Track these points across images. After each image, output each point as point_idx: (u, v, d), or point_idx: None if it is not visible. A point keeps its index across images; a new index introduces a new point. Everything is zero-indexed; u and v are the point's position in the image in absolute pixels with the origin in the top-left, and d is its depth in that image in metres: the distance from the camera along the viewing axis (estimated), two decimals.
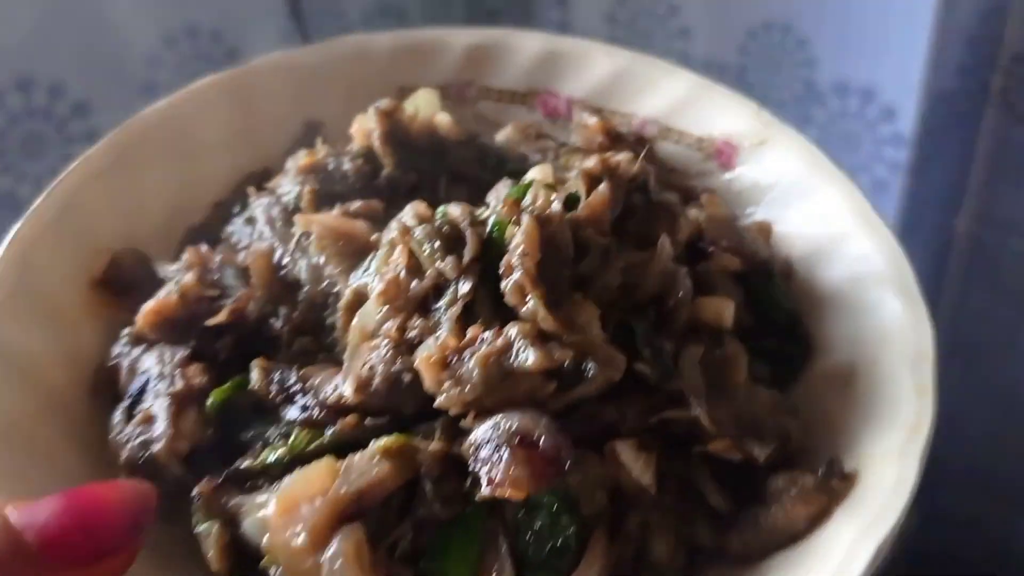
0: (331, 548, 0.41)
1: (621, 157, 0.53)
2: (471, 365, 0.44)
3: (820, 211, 0.59)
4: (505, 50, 0.69)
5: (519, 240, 0.46)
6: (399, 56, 0.68)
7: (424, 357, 0.45)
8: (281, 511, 0.42)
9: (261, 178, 0.64)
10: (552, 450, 0.43)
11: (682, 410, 0.48)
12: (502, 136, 0.66)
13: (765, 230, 0.61)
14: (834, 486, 0.46)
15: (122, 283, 0.56)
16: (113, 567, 0.40)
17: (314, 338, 0.52)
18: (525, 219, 0.47)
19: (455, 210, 0.50)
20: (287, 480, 0.44)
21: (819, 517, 0.45)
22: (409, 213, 0.50)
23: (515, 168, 0.61)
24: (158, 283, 0.55)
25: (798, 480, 0.46)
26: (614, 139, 0.62)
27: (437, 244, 0.48)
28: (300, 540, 0.41)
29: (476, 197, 0.59)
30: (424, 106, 0.62)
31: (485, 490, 0.42)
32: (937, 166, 0.86)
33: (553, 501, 0.44)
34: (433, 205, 0.54)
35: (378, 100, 0.63)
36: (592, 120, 0.62)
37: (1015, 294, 0.92)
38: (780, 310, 0.56)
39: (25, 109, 0.84)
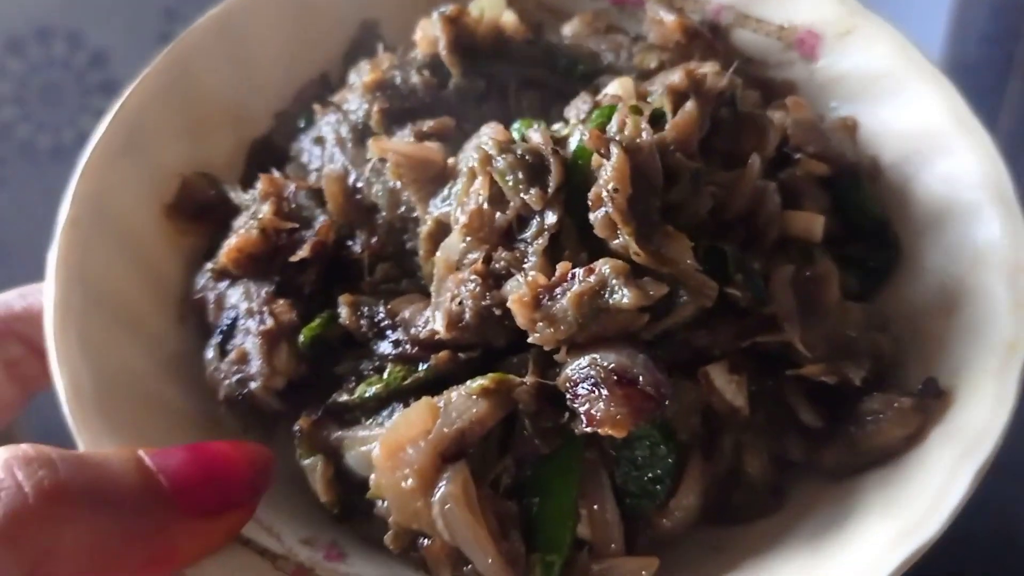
0: (439, 489, 0.42)
1: (708, 69, 0.51)
2: (564, 304, 0.44)
3: (912, 108, 0.56)
4: None
5: (609, 174, 0.45)
6: None
7: (516, 297, 0.44)
8: (387, 454, 0.43)
9: (320, 86, 0.62)
10: (651, 387, 0.43)
11: (775, 334, 0.47)
12: (569, 29, 0.63)
13: (851, 127, 0.58)
14: (930, 405, 0.46)
15: (195, 207, 0.55)
16: (232, 522, 0.41)
17: (395, 263, 0.52)
18: (614, 151, 0.45)
19: (535, 136, 0.48)
20: (389, 422, 0.45)
21: (915, 437, 0.46)
22: (488, 139, 0.49)
23: (587, 69, 0.59)
24: (231, 207, 0.55)
25: (894, 402, 0.46)
26: (692, 36, 0.59)
27: (520, 175, 0.47)
28: (409, 483, 0.42)
29: (548, 102, 0.57)
30: (489, 7, 0.59)
31: (585, 427, 0.43)
32: None
33: (651, 433, 0.45)
34: (504, 114, 0.52)
35: None
36: (669, 17, 0.59)
37: None
38: (867, 215, 0.55)
39: (45, 59, 0.85)
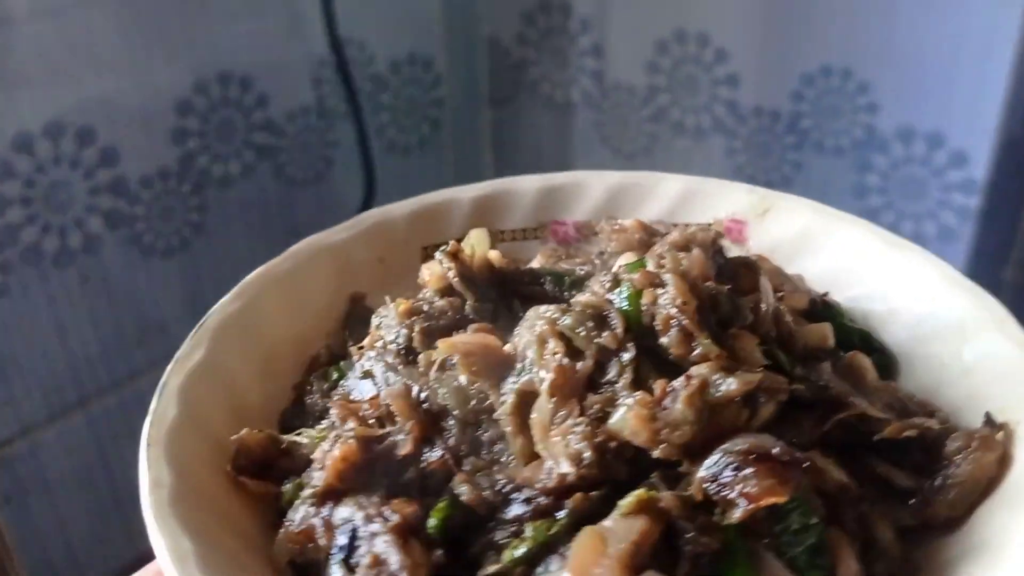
0: None
1: (694, 229, 0.60)
2: (679, 407, 0.47)
3: (841, 247, 0.67)
4: (509, 195, 0.75)
5: (672, 294, 0.51)
6: (416, 221, 0.73)
7: (635, 414, 0.47)
8: None
9: (328, 356, 0.66)
10: (787, 455, 0.46)
11: (849, 410, 0.52)
12: (536, 263, 0.71)
13: (798, 279, 0.68)
14: (999, 436, 0.52)
15: (257, 464, 0.54)
16: None
17: (476, 458, 0.53)
18: (668, 277, 0.51)
19: (585, 297, 0.54)
20: (566, 559, 0.44)
21: (1004, 460, 0.50)
22: (542, 311, 0.54)
23: (574, 279, 0.66)
24: (296, 455, 0.54)
25: (972, 434, 0.51)
26: (651, 232, 0.68)
27: (590, 324, 0.52)
28: None
29: None
30: (478, 243, 0.66)
31: (745, 507, 0.44)
32: (1003, 215, 0.89)
33: (795, 503, 0.46)
34: (513, 328, 0.57)
35: (402, 264, 0.68)
36: (627, 222, 0.69)
37: None
38: (852, 331, 0.63)
39: (52, 156, 0.81)
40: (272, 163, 0.76)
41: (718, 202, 0.73)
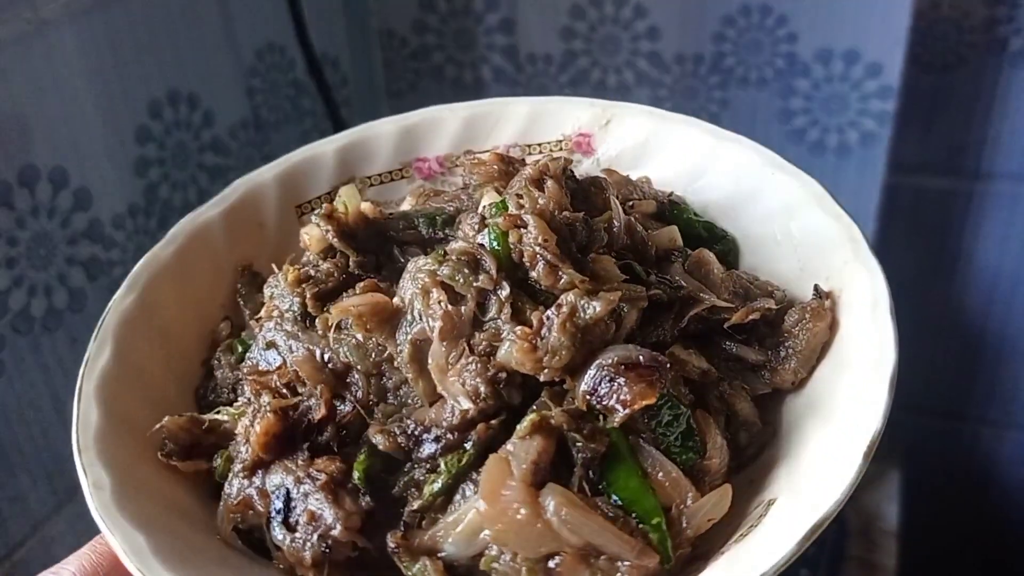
0: (549, 504, 0.48)
1: (543, 158, 0.65)
2: (555, 335, 0.54)
3: (680, 146, 0.74)
4: (370, 141, 0.78)
5: (534, 234, 0.56)
6: (286, 181, 0.76)
7: (517, 348, 0.53)
8: (491, 502, 0.48)
9: (229, 330, 0.69)
10: (651, 360, 0.53)
11: (699, 305, 0.59)
12: (406, 206, 0.75)
13: (646, 180, 0.75)
14: (827, 305, 0.60)
15: (184, 448, 0.58)
16: None
17: (385, 404, 0.59)
18: (528, 218, 0.57)
19: (457, 244, 0.59)
20: (471, 493, 0.51)
21: (833, 325, 0.59)
22: (421, 263, 0.59)
23: (446, 218, 0.71)
24: (219, 431, 0.59)
25: (805, 307, 0.60)
26: (508, 162, 0.73)
27: (465, 271, 0.57)
28: (523, 513, 0.48)
29: (429, 250, 0.68)
30: (349, 200, 0.70)
31: (623, 413, 0.52)
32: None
33: (667, 397, 0.54)
34: (397, 274, 0.62)
35: (280, 226, 0.72)
36: (484, 155, 0.73)
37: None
38: (697, 223, 0.70)
39: (30, 206, 0.75)
40: (223, 184, 0.71)
41: (564, 119, 0.78)
